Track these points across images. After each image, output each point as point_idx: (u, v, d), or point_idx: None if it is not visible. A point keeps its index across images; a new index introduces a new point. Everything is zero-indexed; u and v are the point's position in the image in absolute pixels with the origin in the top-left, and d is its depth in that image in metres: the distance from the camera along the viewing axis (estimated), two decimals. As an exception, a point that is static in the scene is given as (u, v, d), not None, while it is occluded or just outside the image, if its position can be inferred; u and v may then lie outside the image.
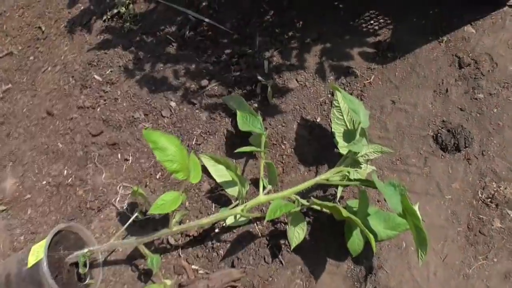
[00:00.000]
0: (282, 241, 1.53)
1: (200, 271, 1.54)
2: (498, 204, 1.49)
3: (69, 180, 1.78)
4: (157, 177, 1.73)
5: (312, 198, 1.40)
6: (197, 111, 1.82)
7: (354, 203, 1.45)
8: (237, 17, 1.99)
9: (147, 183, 1.72)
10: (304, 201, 1.40)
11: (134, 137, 1.82)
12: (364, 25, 1.87)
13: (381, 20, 1.86)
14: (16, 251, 1.65)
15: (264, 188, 1.47)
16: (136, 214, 1.53)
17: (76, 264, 1.46)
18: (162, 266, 1.55)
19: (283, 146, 1.69)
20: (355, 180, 1.41)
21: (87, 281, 1.49)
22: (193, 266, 1.55)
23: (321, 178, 1.45)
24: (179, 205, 1.33)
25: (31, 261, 1.38)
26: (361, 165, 1.48)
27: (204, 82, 1.86)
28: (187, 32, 1.99)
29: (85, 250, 1.45)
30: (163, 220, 1.60)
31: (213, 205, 1.64)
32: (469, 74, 1.69)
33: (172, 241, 1.58)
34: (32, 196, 1.77)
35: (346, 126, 1.55)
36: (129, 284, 1.55)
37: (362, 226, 1.28)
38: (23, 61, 2.11)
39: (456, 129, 1.60)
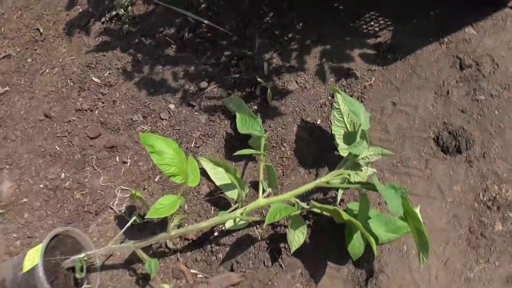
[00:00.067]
0: (282, 245, 1.51)
1: (199, 275, 1.52)
2: (500, 207, 1.48)
3: (67, 184, 1.76)
4: (156, 180, 1.71)
5: (312, 201, 1.39)
6: (196, 113, 1.81)
7: (354, 206, 1.45)
8: (236, 18, 1.98)
9: (146, 186, 1.70)
10: (304, 204, 1.39)
11: (133, 139, 1.81)
12: (364, 26, 1.86)
13: (382, 22, 1.85)
14: (12, 255, 1.63)
15: (263, 191, 1.47)
16: (134, 218, 1.51)
17: (73, 269, 1.44)
18: (160, 270, 1.53)
19: (283, 149, 1.68)
20: (355, 182, 1.41)
21: (84, 286, 1.47)
22: (192, 270, 1.53)
23: (321, 180, 1.44)
24: (177, 209, 1.32)
25: (27, 266, 1.36)
26: (361, 168, 1.47)
27: (203, 84, 1.85)
28: (186, 34, 1.98)
29: (82, 254, 1.44)
30: (162, 224, 1.59)
31: (212, 208, 1.63)
32: (470, 75, 1.69)
33: (170, 245, 1.57)
34: (29, 199, 1.75)
35: (347, 128, 1.55)
36: (127, 289, 1.53)
37: (363, 229, 1.27)
38: (21, 63, 2.10)
39: (457, 131, 1.59)
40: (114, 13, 2.10)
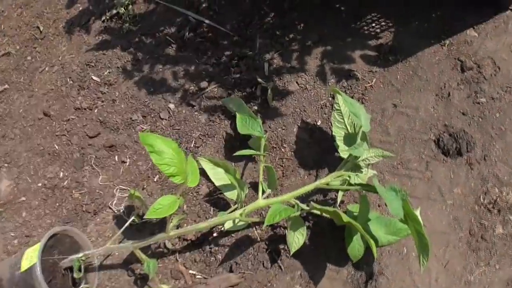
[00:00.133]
0: (281, 246, 1.51)
1: (198, 276, 1.51)
2: (501, 210, 1.47)
3: (65, 183, 1.75)
4: (155, 180, 1.71)
5: (312, 202, 1.39)
6: (196, 113, 1.80)
7: (354, 208, 1.44)
8: (237, 18, 1.98)
9: (145, 186, 1.70)
10: (304, 206, 1.38)
11: (132, 139, 1.80)
12: (365, 27, 1.85)
13: (383, 23, 1.84)
14: (10, 255, 1.62)
15: (263, 192, 1.46)
16: (132, 218, 1.51)
17: (71, 269, 1.43)
18: (159, 270, 1.52)
19: (283, 150, 1.68)
20: (355, 184, 1.40)
21: (82, 286, 1.46)
22: (190, 271, 1.53)
23: (321, 182, 1.43)
24: (176, 209, 1.31)
25: (24, 265, 1.35)
26: (362, 169, 1.47)
27: (204, 84, 1.84)
28: (187, 34, 1.98)
29: (80, 254, 1.43)
30: (161, 224, 1.58)
31: (212, 208, 1.62)
32: (471, 78, 1.68)
33: (169, 245, 1.56)
34: (27, 198, 1.75)
35: (347, 129, 1.54)
36: (125, 289, 1.53)
37: (363, 231, 1.26)
38: (20, 61, 2.09)
39: (458, 133, 1.59)
40: (114, 11, 2.10)
